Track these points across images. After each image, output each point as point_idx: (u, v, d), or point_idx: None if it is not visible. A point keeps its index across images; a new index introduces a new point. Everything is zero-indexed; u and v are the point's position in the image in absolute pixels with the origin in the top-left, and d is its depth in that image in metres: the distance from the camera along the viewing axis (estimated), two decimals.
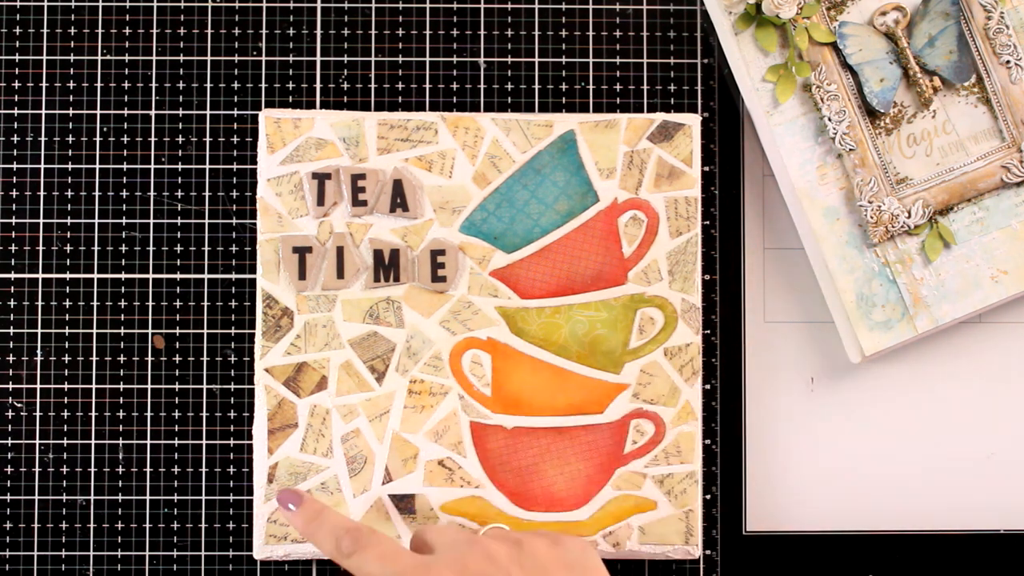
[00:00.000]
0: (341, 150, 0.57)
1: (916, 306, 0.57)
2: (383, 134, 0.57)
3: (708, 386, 0.60)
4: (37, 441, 0.59)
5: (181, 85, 0.60)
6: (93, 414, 0.59)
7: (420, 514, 0.55)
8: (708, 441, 0.60)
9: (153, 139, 0.60)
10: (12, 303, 0.59)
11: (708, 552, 0.60)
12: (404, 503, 0.55)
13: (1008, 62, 0.56)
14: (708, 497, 0.59)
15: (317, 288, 0.56)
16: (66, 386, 0.59)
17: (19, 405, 0.59)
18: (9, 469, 0.59)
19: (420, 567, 0.47)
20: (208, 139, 0.60)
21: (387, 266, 0.56)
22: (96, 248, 0.59)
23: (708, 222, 0.60)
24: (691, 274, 0.57)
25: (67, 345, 0.59)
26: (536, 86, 0.60)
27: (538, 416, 0.56)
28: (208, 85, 0.60)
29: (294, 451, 0.55)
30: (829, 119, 0.56)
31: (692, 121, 0.57)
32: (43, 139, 0.60)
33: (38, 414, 0.59)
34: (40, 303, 0.59)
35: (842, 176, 0.57)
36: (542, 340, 0.56)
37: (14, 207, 0.59)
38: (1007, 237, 0.57)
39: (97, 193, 0.60)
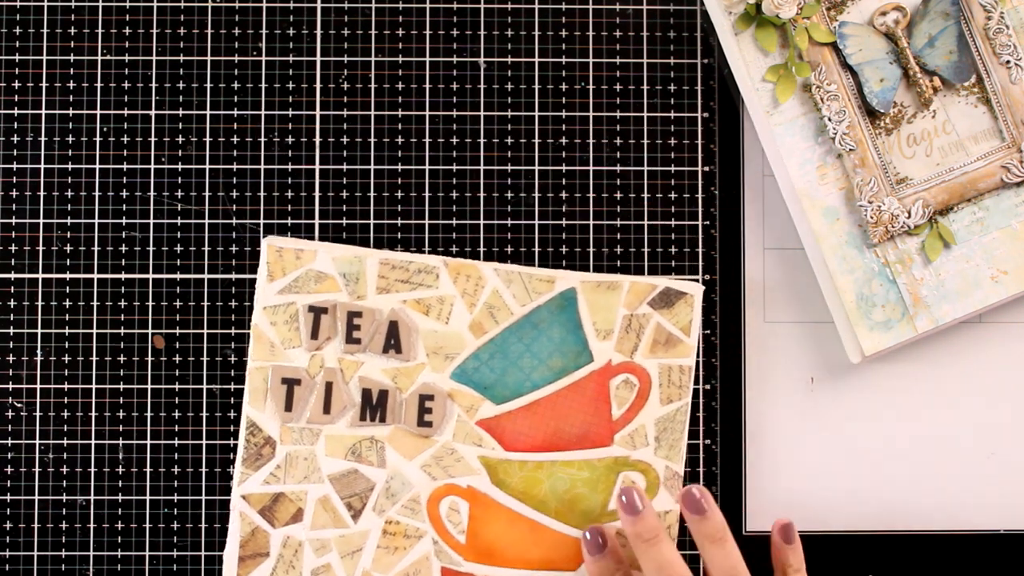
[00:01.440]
0: (340, 286, 0.57)
1: (916, 306, 0.57)
2: (384, 274, 0.57)
3: (708, 386, 0.60)
4: (37, 441, 0.59)
5: (181, 85, 0.60)
6: (93, 414, 0.59)
7: None
8: (708, 441, 0.60)
9: (153, 139, 0.60)
10: (12, 303, 0.59)
11: None
12: None
13: (1008, 62, 0.56)
14: None
15: (302, 421, 0.56)
16: (66, 386, 0.59)
17: (19, 405, 0.59)
18: (9, 469, 0.59)
19: None
20: (208, 139, 0.60)
21: (374, 406, 0.56)
22: (96, 248, 0.59)
23: (708, 222, 0.60)
24: (677, 442, 0.57)
25: (67, 345, 0.59)
26: (536, 86, 0.60)
27: (511, 568, 0.56)
28: (208, 85, 0.60)
29: None
30: (829, 119, 0.56)
31: (695, 291, 0.57)
32: (43, 139, 0.60)
33: (38, 414, 0.59)
34: (40, 303, 0.59)
35: (842, 176, 0.57)
36: (522, 493, 0.57)
37: (14, 207, 0.59)
38: (1007, 237, 0.57)
39: (97, 193, 0.60)
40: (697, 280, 0.59)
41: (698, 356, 0.59)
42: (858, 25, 0.57)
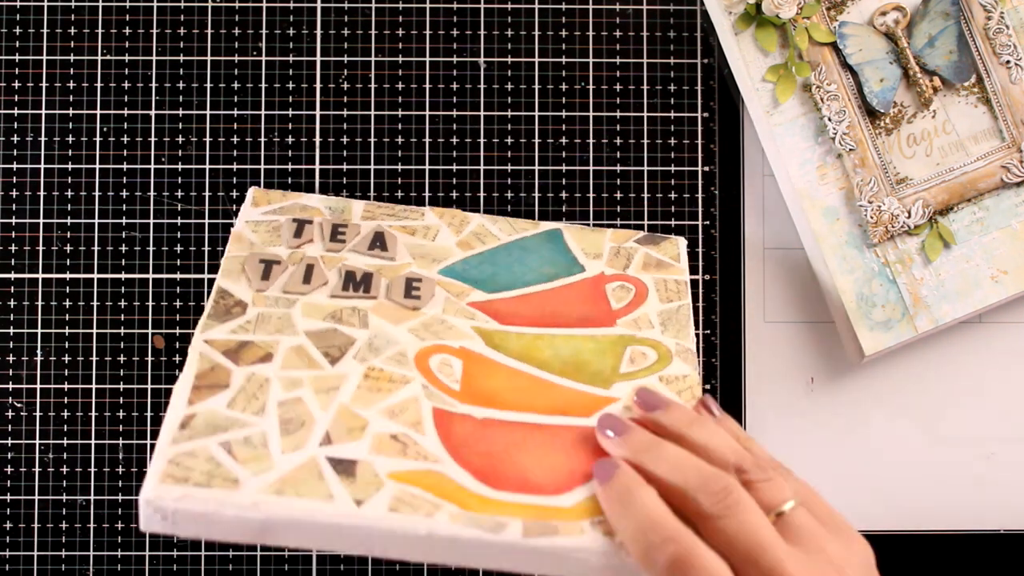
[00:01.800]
0: (325, 213, 0.55)
1: (916, 306, 0.57)
2: (370, 209, 0.55)
3: (708, 386, 0.60)
4: (37, 441, 0.59)
5: (181, 85, 0.60)
6: (93, 414, 0.59)
7: (361, 479, 0.43)
8: None
9: (153, 139, 0.60)
10: (12, 303, 0.59)
11: None
12: (344, 467, 0.43)
13: (1008, 62, 0.56)
14: None
15: (278, 291, 0.50)
16: (66, 386, 0.59)
17: (19, 405, 0.59)
18: (9, 469, 0.59)
19: None
20: (208, 139, 0.60)
21: (357, 283, 0.51)
22: (96, 248, 0.59)
23: (708, 222, 0.60)
24: (685, 327, 0.52)
25: (67, 345, 0.59)
26: (536, 86, 0.60)
27: (515, 411, 0.47)
28: (208, 85, 0.60)
29: (220, 406, 0.45)
30: (829, 119, 0.56)
31: (678, 239, 0.56)
32: (43, 139, 0.60)
33: (38, 414, 0.59)
34: (40, 303, 0.59)
35: (842, 176, 0.57)
36: (521, 356, 0.49)
37: (14, 207, 0.59)
38: (1007, 237, 0.57)
39: (97, 193, 0.60)
40: (680, 236, 0.60)
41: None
42: (858, 25, 0.57)
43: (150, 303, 0.59)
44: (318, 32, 0.60)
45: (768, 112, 0.57)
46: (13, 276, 0.59)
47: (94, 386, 0.59)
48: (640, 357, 0.50)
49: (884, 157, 0.57)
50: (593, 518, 0.42)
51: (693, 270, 0.60)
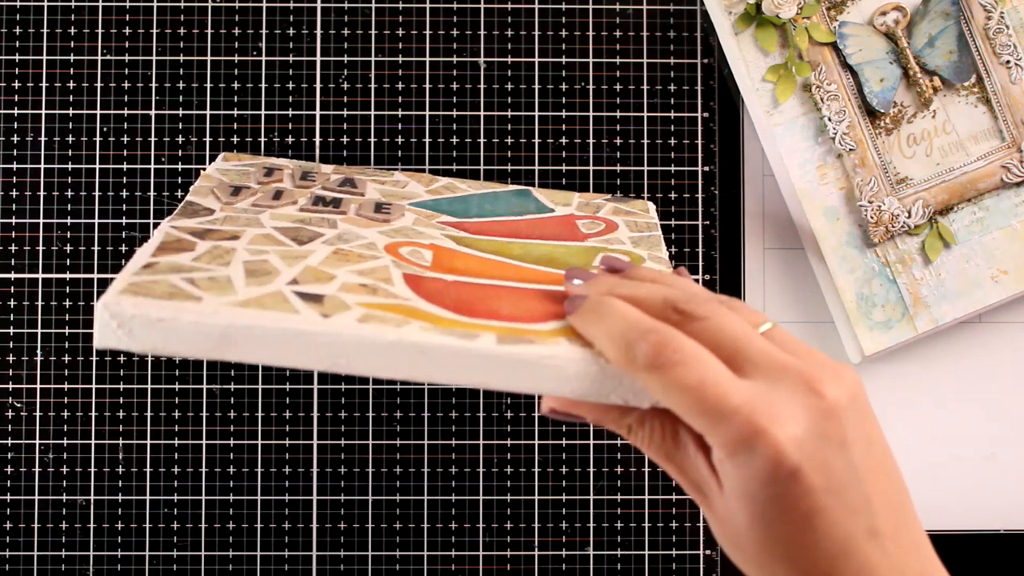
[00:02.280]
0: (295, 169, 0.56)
1: (916, 306, 0.57)
2: (340, 170, 0.56)
3: None
4: (37, 441, 0.59)
5: (181, 85, 0.60)
6: (93, 414, 0.59)
7: (328, 304, 0.40)
8: None
9: (153, 139, 0.60)
10: (12, 303, 0.59)
11: (708, 552, 0.60)
12: (313, 300, 0.41)
13: (1008, 62, 0.56)
14: None
15: (247, 204, 0.49)
16: (66, 386, 0.59)
17: (19, 405, 0.59)
18: (9, 469, 0.59)
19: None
20: (208, 139, 0.60)
21: (327, 202, 0.51)
22: (96, 248, 0.59)
23: (708, 222, 0.60)
24: (657, 246, 0.51)
25: (67, 345, 0.59)
26: (536, 86, 0.60)
27: (489, 279, 0.45)
28: (208, 85, 0.60)
29: (185, 260, 0.43)
30: (829, 119, 0.56)
31: (649, 205, 0.56)
32: (43, 139, 0.60)
33: (38, 414, 0.59)
34: (40, 303, 0.59)
35: (842, 176, 0.57)
36: (495, 253, 0.48)
37: (14, 207, 0.59)
38: (1007, 237, 0.57)
39: (97, 193, 0.60)
40: (650, 199, 0.60)
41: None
42: (858, 25, 0.57)
43: None
44: (318, 32, 0.60)
45: (768, 112, 0.57)
46: (13, 276, 0.59)
47: (94, 386, 0.59)
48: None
49: (884, 157, 0.57)
50: (570, 337, 0.40)
51: (692, 269, 0.60)
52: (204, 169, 0.59)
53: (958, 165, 0.57)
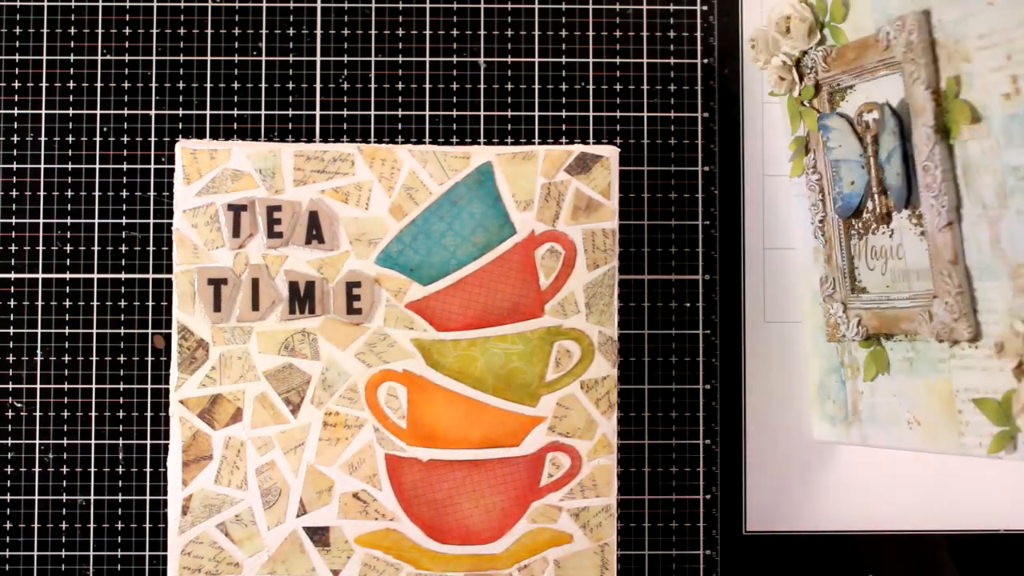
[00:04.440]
0: (257, 182, 0.56)
1: (854, 415, 0.54)
2: (300, 165, 0.56)
3: (708, 386, 0.60)
4: (37, 441, 0.59)
5: (181, 85, 0.60)
6: (93, 414, 0.59)
7: (335, 547, 0.56)
8: (708, 441, 0.60)
9: (153, 139, 0.60)
10: (12, 303, 0.59)
11: (708, 552, 0.60)
12: (319, 536, 0.55)
13: (932, 205, 0.48)
14: (708, 497, 0.60)
15: (232, 320, 0.56)
16: (66, 386, 0.59)
17: (19, 405, 0.59)
18: (9, 469, 0.59)
19: None
20: (208, 139, 0.60)
21: (303, 298, 0.56)
22: (96, 248, 0.59)
23: (708, 222, 0.60)
24: (608, 306, 0.56)
25: (67, 345, 0.59)
26: (536, 86, 0.60)
27: (453, 448, 0.56)
28: (208, 85, 0.60)
29: (209, 483, 0.55)
30: (812, 206, 0.54)
31: (610, 153, 0.56)
32: (43, 139, 0.60)
33: (38, 414, 0.59)
34: (40, 303, 0.59)
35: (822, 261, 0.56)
36: (458, 372, 0.56)
37: (14, 207, 0.59)
38: (925, 389, 0.51)
39: (97, 193, 0.60)
40: (613, 145, 0.60)
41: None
42: (841, 118, 0.53)
43: (150, 303, 0.59)
44: (318, 32, 0.60)
45: (789, 178, 0.56)
46: (13, 276, 0.59)
47: (94, 386, 0.59)
48: (565, 357, 0.56)
49: (850, 260, 0.53)
50: (519, 563, 0.56)
51: (692, 269, 0.60)
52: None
53: (897, 295, 0.51)
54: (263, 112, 0.60)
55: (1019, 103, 0.45)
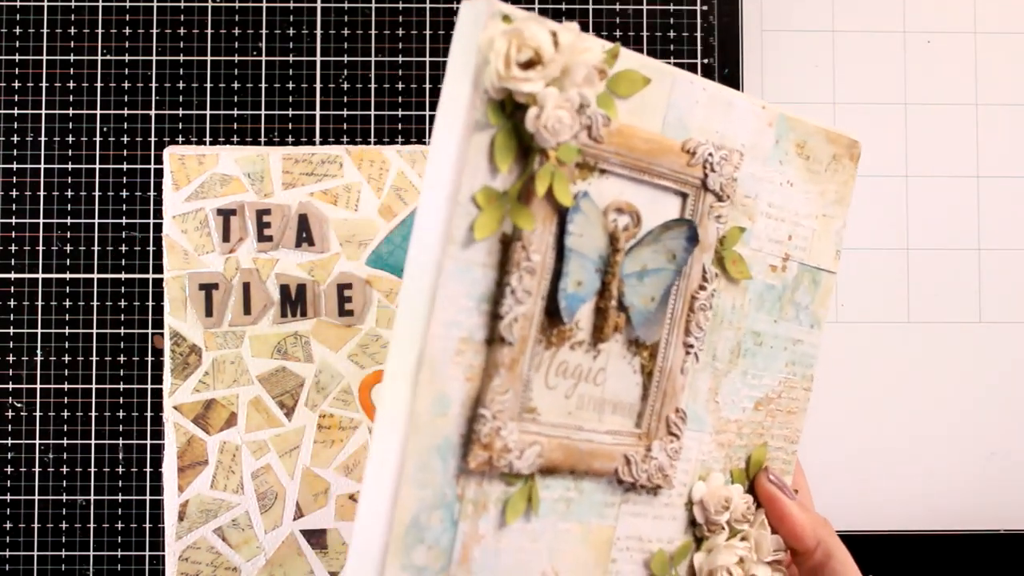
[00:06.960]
0: (246, 186, 0.56)
1: (460, 566, 0.41)
2: (288, 168, 0.56)
3: None
4: (37, 441, 0.59)
5: (181, 85, 0.60)
6: (93, 414, 0.59)
7: (332, 549, 0.56)
8: None
9: (153, 139, 0.60)
10: (12, 303, 0.59)
11: None
12: (316, 539, 0.56)
13: (691, 347, 0.44)
14: None
15: (224, 325, 0.56)
16: (66, 386, 0.59)
17: (19, 405, 0.59)
18: (9, 469, 0.59)
19: None
20: (208, 139, 0.60)
21: (294, 301, 0.56)
22: (96, 248, 0.59)
23: None
24: None
25: (67, 345, 0.59)
26: None
27: None
28: (208, 85, 0.60)
29: (204, 488, 0.56)
30: (511, 292, 0.40)
31: None
32: (43, 139, 0.60)
33: (38, 414, 0.59)
34: (40, 303, 0.59)
35: (482, 364, 0.40)
36: None
37: (14, 207, 0.59)
38: (579, 536, 0.43)
39: (97, 193, 0.60)
40: None
41: None
42: (594, 207, 0.42)
43: (150, 303, 0.59)
44: (318, 32, 0.61)
45: (451, 240, 0.39)
46: (13, 276, 0.59)
47: (94, 386, 0.59)
48: None
49: (532, 372, 0.42)
50: None
51: None
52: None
53: (588, 427, 0.43)
54: (263, 112, 0.60)
55: (780, 279, 0.46)
